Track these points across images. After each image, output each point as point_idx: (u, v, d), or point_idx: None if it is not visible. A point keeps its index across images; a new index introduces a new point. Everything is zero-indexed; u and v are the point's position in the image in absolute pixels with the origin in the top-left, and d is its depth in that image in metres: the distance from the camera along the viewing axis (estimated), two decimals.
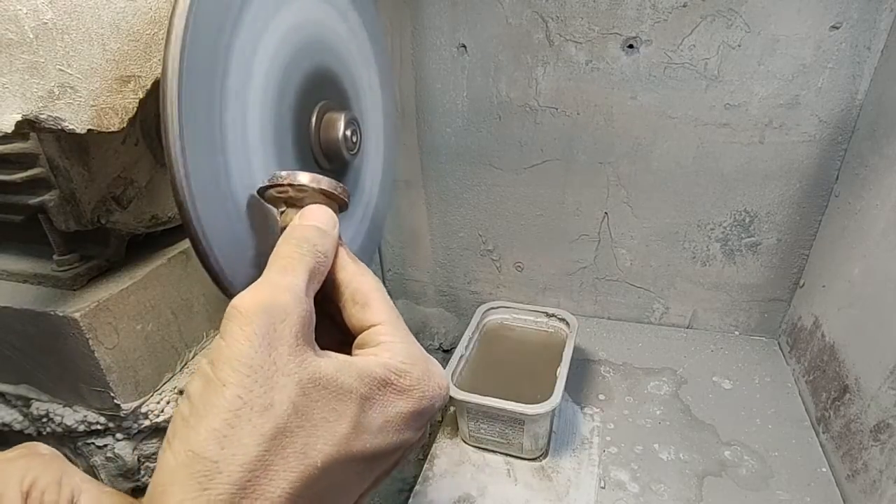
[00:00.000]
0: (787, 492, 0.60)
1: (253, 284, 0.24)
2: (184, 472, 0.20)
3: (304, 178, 0.28)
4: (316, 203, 0.29)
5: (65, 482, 0.28)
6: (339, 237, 0.29)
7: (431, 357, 0.27)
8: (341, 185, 0.30)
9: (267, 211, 0.33)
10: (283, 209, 0.30)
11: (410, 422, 0.25)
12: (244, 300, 0.23)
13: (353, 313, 0.27)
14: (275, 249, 0.26)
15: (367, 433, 0.23)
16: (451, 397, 0.63)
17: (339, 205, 0.30)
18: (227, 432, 0.20)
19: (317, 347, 0.24)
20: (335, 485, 0.23)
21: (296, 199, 0.29)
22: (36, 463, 0.28)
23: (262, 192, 0.31)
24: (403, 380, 0.25)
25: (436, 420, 0.82)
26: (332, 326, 0.30)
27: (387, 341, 0.26)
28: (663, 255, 0.83)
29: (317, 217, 0.28)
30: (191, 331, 0.52)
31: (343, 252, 0.29)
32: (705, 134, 0.72)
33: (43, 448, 0.29)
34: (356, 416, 0.23)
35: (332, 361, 0.24)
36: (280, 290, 0.23)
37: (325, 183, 0.29)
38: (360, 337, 0.27)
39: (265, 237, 0.33)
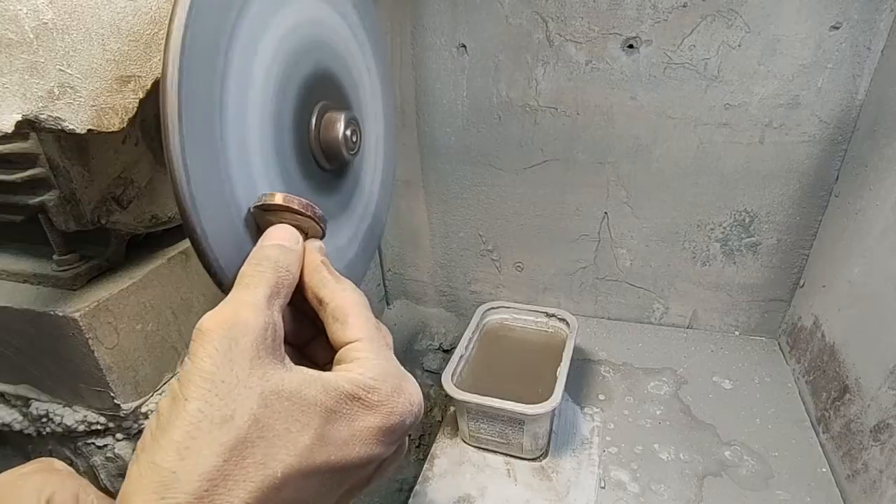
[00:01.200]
0: (787, 492, 0.60)
1: (217, 305, 0.25)
2: (145, 483, 0.20)
3: (278, 198, 0.30)
4: (289, 221, 0.30)
5: (82, 497, 0.28)
6: (324, 255, 0.30)
7: (407, 374, 0.28)
8: (310, 202, 0.31)
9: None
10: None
11: (380, 436, 0.25)
12: (206, 320, 0.24)
13: (334, 330, 0.28)
14: (240, 270, 0.28)
15: (331, 445, 0.24)
16: (451, 397, 0.63)
17: (309, 217, 0.31)
18: (187, 444, 0.21)
19: (286, 360, 0.25)
20: (299, 498, 0.23)
21: (276, 219, 0.31)
22: (53, 478, 0.28)
23: (254, 212, 0.32)
24: (372, 395, 0.25)
25: (436, 420, 0.82)
26: (327, 343, 0.30)
27: (360, 357, 0.27)
28: (663, 255, 0.83)
29: (277, 236, 0.29)
30: (190, 331, 0.52)
31: (324, 270, 0.29)
32: (705, 134, 0.72)
33: (58, 464, 0.29)
34: (320, 428, 0.23)
35: (297, 375, 0.24)
36: (240, 306, 0.25)
37: (295, 202, 0.30)
38: (338, 353, 0.28)
39: None
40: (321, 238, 0.32)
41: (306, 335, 0.32)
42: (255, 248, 0.29)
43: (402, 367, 0.28)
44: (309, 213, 0.30)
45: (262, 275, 0.26)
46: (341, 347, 0.27)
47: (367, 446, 0.25)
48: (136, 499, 0.20)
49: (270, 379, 0.23)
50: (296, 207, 0.30)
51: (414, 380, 0.28)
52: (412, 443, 0.82)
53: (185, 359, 0.23)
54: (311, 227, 0.31)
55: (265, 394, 0.23)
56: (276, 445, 0.22)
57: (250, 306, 0.25)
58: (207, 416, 0.21)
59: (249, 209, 0.31)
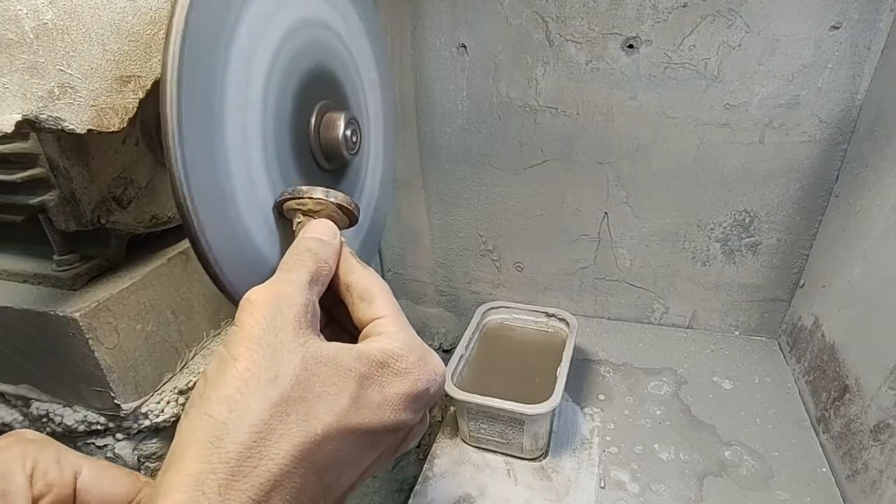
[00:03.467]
0: (787, 492, 0.60)
1: (264, 283, 0.27)
2: (198, 434, 0.22)
3: (320, 192, 0.32)
4: (330, 215, 0.33)
5: (63, 461, 0.29)
6: (348, 246, 0.32)
7: (430, 348, 0.30)
8: (353, 200, 0.33)
9: (265, 209, 0.33)
10: (300, 220, 0.33)
11: (408, 403, 0.27)
12: (254, 293, 0.26)
13: (360, 309, 0.30)
14: (282, 259, 0.30)
15: (365, 408, 0.25)
16: (451, 397, 0.63)
17: (350, 218, 0.34)
18: (237, 398, 0.23)
19: (321, 335, 0.27)
20: (336, 457, 0.24)
21: (313, 212, 0.33)
22: (31, 447, 0.29)
23: (280, 203, 0.33)
24: (399, 363, 0.27)
25: (436, 420, 0.82)
26: (343, 333, 0.33)
27: (387, 331, 0.29)
28: (663, 255, 0.83)
29: (317, 230, 0.31)
30: (191, 331, 0.52)
31: (353, 258, 0.32)
32: (705, 134, 0.72)
33: (31, 434, 0.30)
34: (355, 392, 0.25)
35: (333, 344, 0.26)
36: (284, 284, 0.27)
37: (340, 197, 0.33)
38: (365, 329, 0.29)
39: (264, 236, 0.33)
40: (354, 225, 0.35)
41: (322, 324, 0.34)
42: (296, 239, 0.31)
43: (424, 343, 0.30)
44: (348, 206, 0.33)
45: (303, 263, 0.29)
46: (367, 324, 0.29)
47: (397, 411, 0.27)
48: (190, 448, 0.22)
49: (310, 346, 0.25)
50: (336, 202, 0.32)
51: (436, 353, 0.30)
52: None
53: (232, 326, 0.25)
54: (342, 220, 0.33)
55: (306, 358, 0.24)
56: (316, 405, 0.24)
57: (293, 284, 0.27)
58: (255, 374, 0.23)
59: (276, 201, 0.33)
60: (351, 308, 0.30)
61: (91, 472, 0.29)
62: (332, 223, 0.32)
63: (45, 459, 0.28)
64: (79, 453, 0.30)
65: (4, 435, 0.29)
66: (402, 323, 0.29)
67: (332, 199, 0.32)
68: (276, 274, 0.28)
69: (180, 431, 0.23)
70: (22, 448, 0.28)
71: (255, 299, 0.25)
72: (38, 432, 0.30)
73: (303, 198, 0.33)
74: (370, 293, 0.30)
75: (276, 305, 0.25)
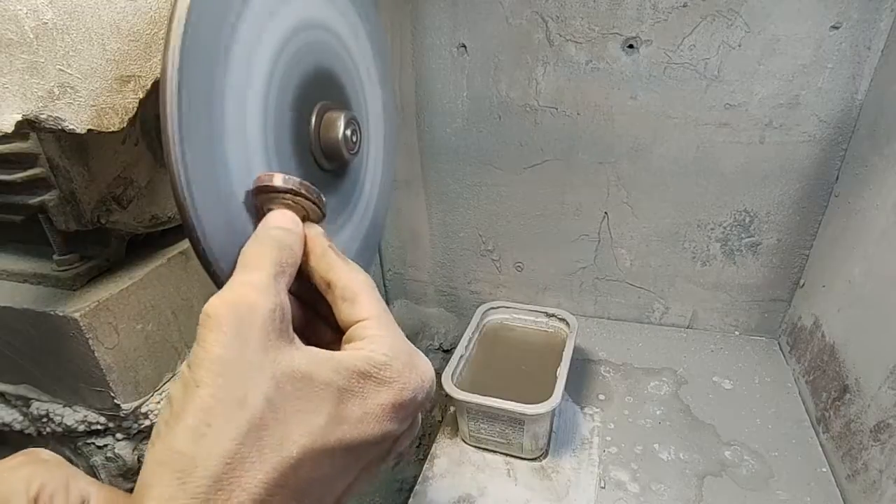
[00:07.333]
0: (787, 492, 0.60)
1: (222, 288, 0.24)
2: (163, 469, 0.20)
3: (277, 179, 0.29)
4: (286, 203, 0.30)
5: (72, 486, 0.28)
6: (328, 237, 0.30)
7: (418, 351, 0.28)
8: (308, 184, 0.30)
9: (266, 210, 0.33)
10: (270, 209, 0.30)
11: (392, 413, 0.25)
12: (212, 304, 0.23)
13: (343, 309, 0.28)
14: (241, 251, 0.27)
15: (345, 424, 0.24)
16: (451, 397, 0.63)
17: (314, 205, 0.31)
18: (202, 430, 0.21)
19: (296, 339, 0.25)
20: (316, 477, 0.23)
21: (275, 201, 0.30)
22: (41, 469, 0.27)
23: (253, 195, 0.31)
24: (384, 371, 0.25)
25: (436, 420, 0.82)
26: (325, 327, 0.30)
27: (371, 335, 0.26)
28: (663, 255, 0.83)
29: (277, 218, 0.28)
30: (191, 331, 0.52)
31: (331, 252, 0.29)
32: (705, 134, 0.72)
33: (45, 454, 0.29)
34: (333, 408, 0.23)
35: (308, 355, 0.24)
36: (245, 288, 0.24)
37: (295, 183, 0.29)
38: (348, 332, 0.27)
39: None
40: (321, 220, 0.32)
41: (303, 320, 0.32)
42: (256, 230, 0.28)
43: (413, 345, 0.28)
44: (307, 194, 0.30)
45: (265, 255, 0.26)
46: (351, 326, 0.27)
47: (381, 423, 0.25)
48: (155, 484, 0.20)
49: (281, 361, 0.23)
50: (295, 188, 0.29)
51: (425, 356, 0.28)
52: (412, 442, 0.82)
53: (195, 345, 0.23)
54: (312, 210, 0.31)
55: (277, 376, 0.22)
56: (291, 426, 0.22)
57: (256, 288, 0.24)
58: (220, 399, 0.21)
59: (248, 192, 0.30)
60: (333, 308, 0.28)
61: (99, 499, 0.28)
62: (291, 212, 0.30)
63: (53, 483, 0.27)
64: (91, 479, 0.29)
65: (20, 453, 0.28)
66: (389, 325, 0.27)
67: (290, 186, 0.29)
68: (235, 272, 0.25)
69: (146, 466, 0.21)
70: (31, 470, 0.27)
71: (214, 313, 0.23)
72: (52, 453, 0.29)
73: (268, 186, 0.30)
74: (352, 292, 0.27)
75: (238, 316, 0.23)
